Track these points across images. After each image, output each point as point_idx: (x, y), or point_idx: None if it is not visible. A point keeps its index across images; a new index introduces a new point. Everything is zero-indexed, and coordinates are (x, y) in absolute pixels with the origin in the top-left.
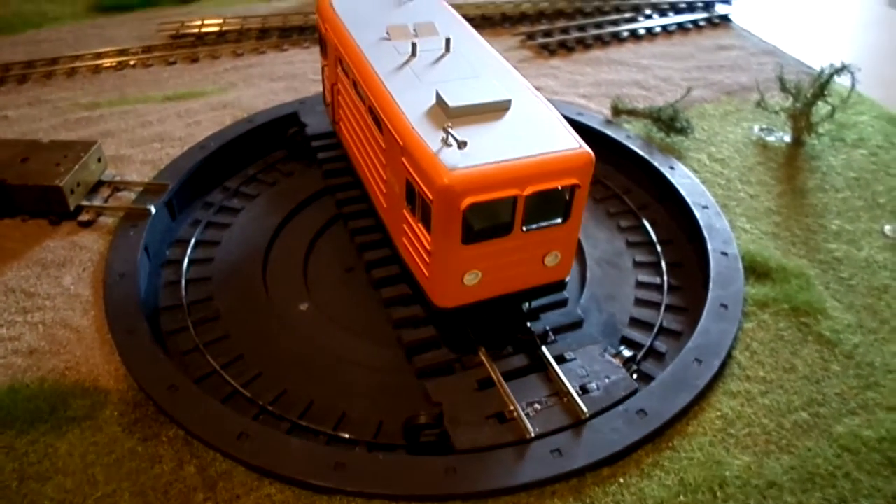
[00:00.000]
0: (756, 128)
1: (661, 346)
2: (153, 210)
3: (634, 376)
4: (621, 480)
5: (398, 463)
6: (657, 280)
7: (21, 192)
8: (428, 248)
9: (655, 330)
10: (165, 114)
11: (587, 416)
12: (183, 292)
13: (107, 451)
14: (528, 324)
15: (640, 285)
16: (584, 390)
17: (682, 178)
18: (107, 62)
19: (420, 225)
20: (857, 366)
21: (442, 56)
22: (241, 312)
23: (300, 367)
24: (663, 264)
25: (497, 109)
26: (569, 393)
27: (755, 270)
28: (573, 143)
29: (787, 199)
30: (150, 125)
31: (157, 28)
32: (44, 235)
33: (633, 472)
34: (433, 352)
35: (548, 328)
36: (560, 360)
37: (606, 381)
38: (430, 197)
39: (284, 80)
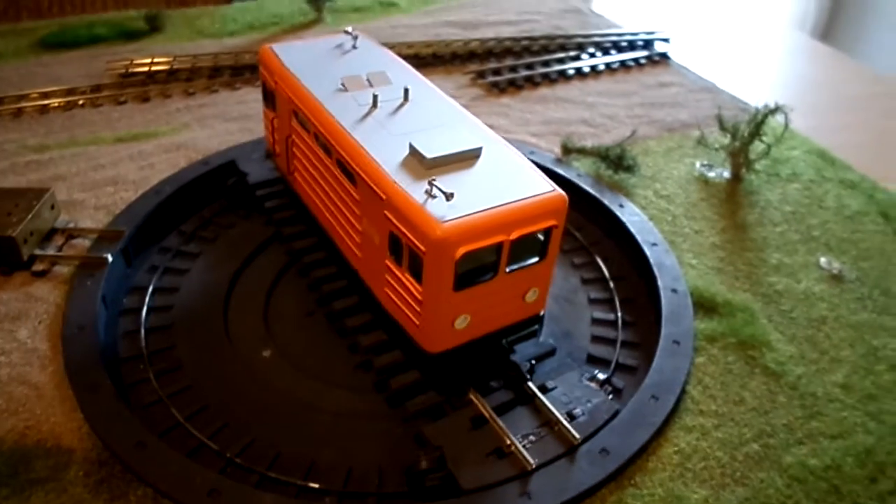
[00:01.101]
0: (698, 164)
1: (618, 382)
2: (110, 258)
3: (611, 396)
4: None
5: None
6: (611, 316)
7: None
8: (419, 297)
9: (612, 366)
10: (118, 156)
11: (579, 441)
12: (143, 342)
13: None
14: (512, 358)
15: (596, 322)
16: (570, 416)
17: (632, 215)
18: (54, 102)
19: (407, 275)
20: (801, 396)
21: (401, 105)
22: (204, 361)
23: (266, 416)
24: (616, 301)
25: (470, 157)
26: (558, 421)
27: (703, 305)
28: (548, 187)
29: (729, 234)
30: (102, 168)
31: (105, 66)
32: None
33: None
34: (423, 396)
35: (532, 361)
36: (543, 389)
37: (589, 405)
38: (423, 249)
39: (239, 121)
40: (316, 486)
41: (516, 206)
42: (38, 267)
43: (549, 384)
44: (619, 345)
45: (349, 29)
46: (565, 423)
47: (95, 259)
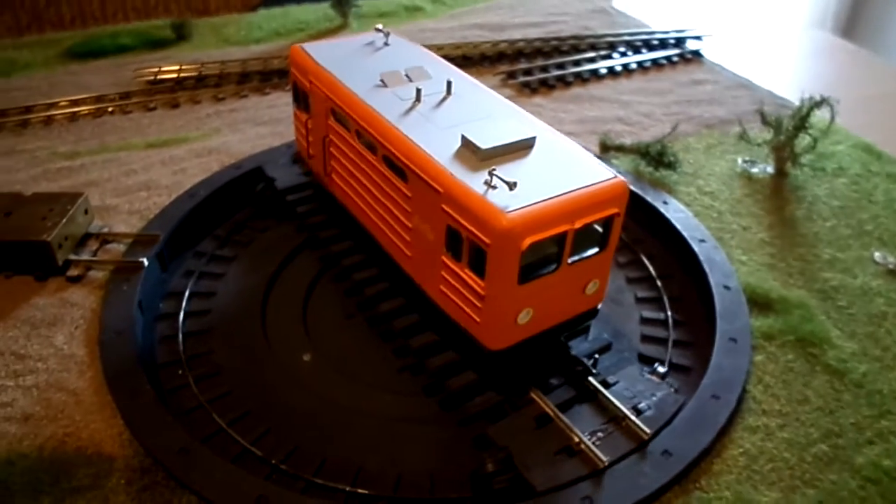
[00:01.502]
0: (740, 160)
1: (673, 381)
2: (146, 263)
3: (673, 389)
4: None
5: None
6: (661, 315)
7: (5, 248)
8: (481, 292)
9: (666, 366)
10: (149, 161)
11: (650, 435)
12: (181, 347)
13: None
14: (574, 354)
15: (645, 321)
16: (637, 411)
17: (677, 212)
18: (84, 109)
19: (468, 270)
20: (868, 394)
21: (444, 99)
22: (244, 366)
23: (310, 421)
24: (665, 299)
25: (524, 147)
26: (626, 416)
27: (757, 303)
28: (608, 174)
29: (778, 230)
30: (134, 174)
31: (133, 74)
32: (30, 293)
33: None
34: (481, 396)
35: (596, 356)
36: (604, 385)
37: (654, 398)
38: (487, 241)
39: (269, 125)
40: (365, 492)
41: (580, 195)
42: (73, 272)
43: (610, 379)
44: (670, 344)
45: (379, 26)
46: (633, 417)
47: (131, 263)
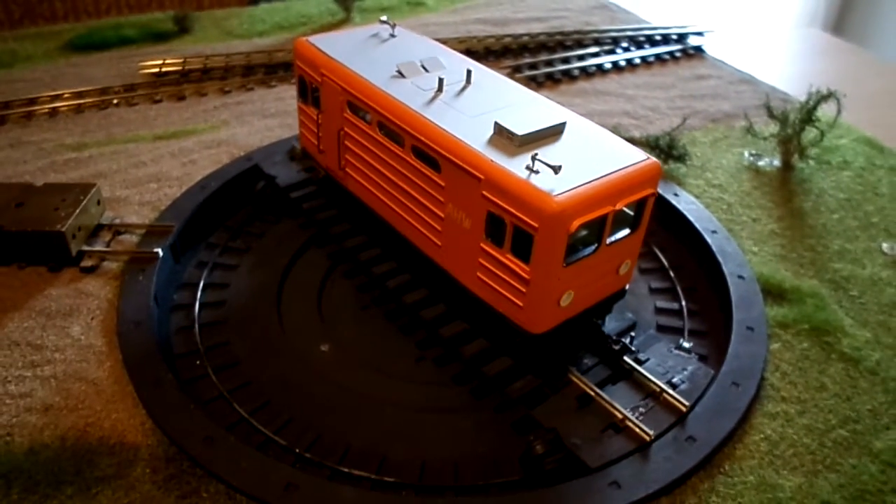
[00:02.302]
0: (746, 153)
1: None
2: (161, 253)
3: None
4: None
5: None
6: (675, 305)
7: (19, 239)
8: (525, 276)
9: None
10: (158, 153)
11: (688, 407)
12: (198, 337)
13: None
14: (607, 333)
15: (660, 311)
16: (672, 385)
17: (688, 204)
18: (89, 101)
19: (510, 255)
20: (883, 381)
21: (465, 88)
22: (262, 356)
23: (331, 411)
24: (679, 289)
25: (556, 133)
26: (663, 391)
27: (770, 292)
28: (642, 155)
29: (787, 222)
30: (143, 165)
31: (137, 66)
32: (44, 283)
33: (691, 499)
34: (521, 381)
35: (632, 334)
36: (637, 362)
37: (685, 372)
38: (535, 224)
39: (277, 117)
40: (391, 479)
41: (620, 176)
42: (87, 263)
43: (641, 357)
44: (686, 333)
45: (384, 18)
46: (671, 391)
47: (146, 254)
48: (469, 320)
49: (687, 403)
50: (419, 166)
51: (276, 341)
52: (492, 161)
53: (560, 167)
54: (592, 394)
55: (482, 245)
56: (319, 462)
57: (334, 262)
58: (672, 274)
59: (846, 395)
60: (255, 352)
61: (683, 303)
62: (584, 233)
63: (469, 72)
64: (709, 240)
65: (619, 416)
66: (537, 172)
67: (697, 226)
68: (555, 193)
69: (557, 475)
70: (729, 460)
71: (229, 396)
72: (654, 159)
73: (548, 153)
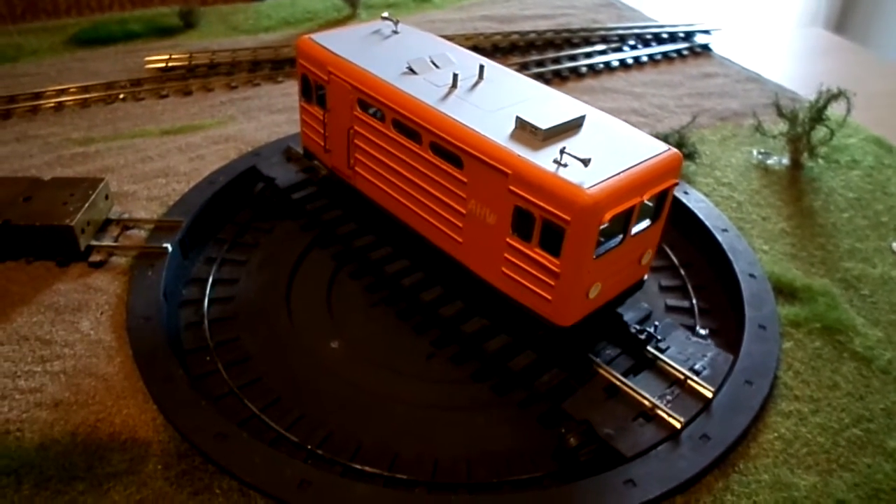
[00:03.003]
0: (755, 152)
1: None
2: (170, 249)
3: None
4: None
5: (476, 503)
6: (686, 304)
7: (27, 233)
8: (555, 269)
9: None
10: (165, 148)
11: (714, 392)
12: (207, 333)
13: None
14: (628, 323)
15: (670, 309)
16: (695, 372)
17: (698, 202)
18: (95, 96)
19: (538, 249)
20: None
21: (477, 83)
22: (272, 352)
23: (342, 408)
24: (689, 287)
25: (576, 126)
26: (687, 378)
27: (781, 291)
28: (664, 146)
29: (797, 221)
30: (150, 160)
31: (143, 61)
32: (52, 278)
33: (706, 498)
34: (548, 374)
35: (657, 323)
36: (658, 351)
37: (705, 359)
38: (567, 218)
39: (285, 112)
40: (404, 477)
41: (645, 167)
42: (96, 257)
43: (662, 345)
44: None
45: (386, 14)
46: (695, 378)
47: (155, 249)
48: (489, 316)
49: (712, 389)
50: (439, 163)
51: (286, 337)
52: (519, 156)
53: (590, 160)
54: (619, 384)
55: (508, 240)
56: (331, 459)
57: (339, 263)
58: (682, 272)
59: (859, 394)
60: (265, 348)
61: (694, 301)
62: (617, 223)
63: (482, 67)
64: (719, 238)
65: (649, 404)
66: (565, 166)
67: (708, 224)
68: (587, 186)
69: (592, 467)
70: (743, 459)
71: (240, 392)
72: (675, 150)
73: (572, 146)
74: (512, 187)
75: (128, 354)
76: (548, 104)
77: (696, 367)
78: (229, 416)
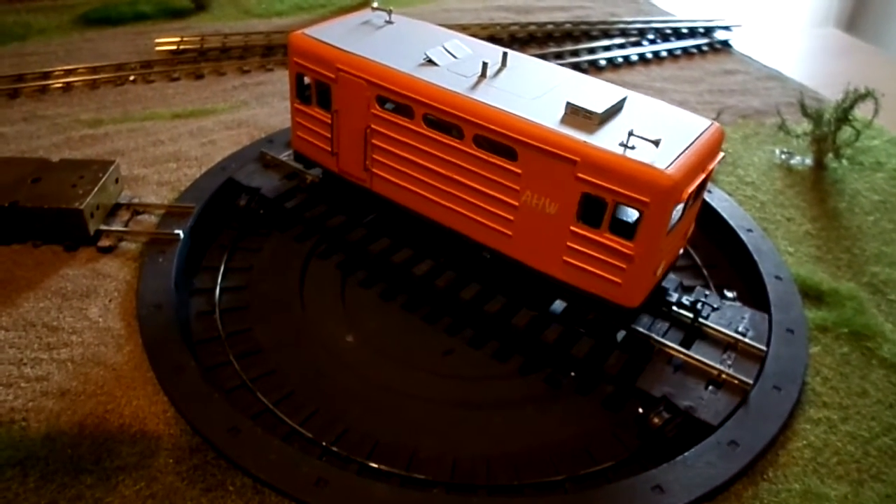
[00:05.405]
0: (777, 151)
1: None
2: (181, 235)
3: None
4: None
5: None
6: None
7: (35, 216)
8: (628, 253)
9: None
10: (177, 132)
11: (766, 351)
12: (219, 323)
13: None
14: (676, 296)
15: None
16: (741, 334)
17: (721, 201)
18: (104, 77)
19: (609, 235)
20: None
21: (501, 70)
22: (285, 345)
23: (358, 403)
24: (712, 288)
25: (620, 108)
26: (738, 341)
27: (808, 294)
28: (708, 121)
29: (822, 223)
30: (161, 144)
31: (153, 43)
32: (60, 263)
33: None
34: (613, 356)
35: (707, 292)
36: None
37: (745, 320)
38: (646, 200)
39: None
40: (422, 477)
41: (702, 142)
42: (105, 242)
43: (704, 312)
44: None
45: (375, 4)
46: (747, 340)
47: (166, 235)
48: (538, 307)
49: (764, 348)
50: (485, 157)
51: (300, 329)
52: (585, 142)
53: (660, 140)
54: (682, 356)
55: (573, 228)
56: (347, 456)
57: (345, 271)
58: (705, 272)
59: (889, 402)
60: (278, 340)
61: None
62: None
63: (504, 54)
64: (744, 238)
65: (715, 371)
66: (633, 148)
67: (732, 223)
68: (664, 167)
69: (678, 442)
70: (772, 467)
71: (252, 385)
72: (717, 124)
73: (625, 127)
74: (580, 174)
75: (137, 343)
76: (584, 88)
77: (740, 329)
78: (242, 410)
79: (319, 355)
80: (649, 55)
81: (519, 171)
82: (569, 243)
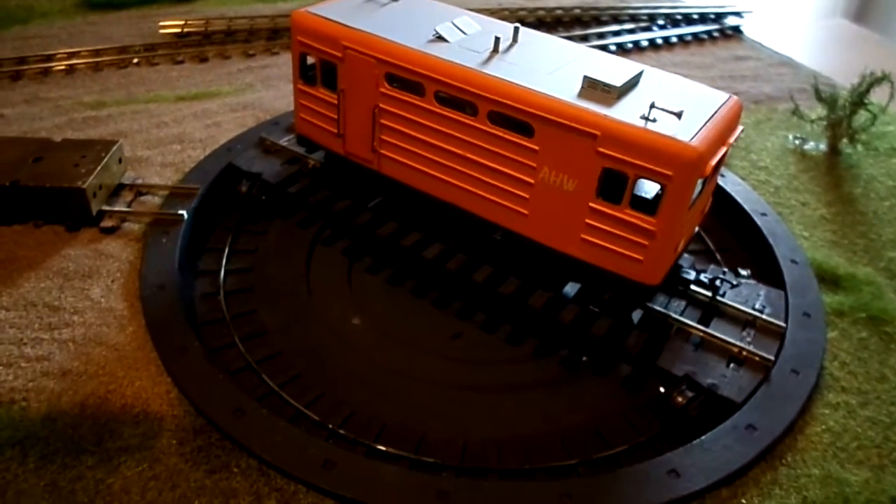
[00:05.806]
0: (790, 136)
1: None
2: (185, 216)
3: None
4: (743, 501)
5: (508, 489)
6: None
7: (36, 195)
8: (650, 228)
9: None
10: (181, 114)
11: (784, 328)
12: (223, 305)
13: (170, 486)
14: (693, 273)
15: None
16: (758, 311)
17: (735, 185)
18: (107, 59)
19: (630, 210)
20: None
21: (513, 45)
22: (290, 326)
23: (365, 386)
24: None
25: (636, 81)
26: (756, 318)
27: (824, 278)
28: (725, 94)
29: (837, 208)
30: (165, 126)
31: (157, 26)
32: (62, 243)
33: (754, 491)
34: (632, 336)
35: (725, 270)
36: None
37: (760, 297)
38: (669, 173)
39: None
40: (431, 460)
41: (722, 115)
42: (107, 223)
43: (721, 290)
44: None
45: None
46: (766, 317)
47: (169, 216)
48: (552, 289)
49: (783, 325)
50: (501, 133)
51: (306, 311)
52: (606, 115)
53: (682, 112)
54: (702, 334)
55: (592, 205)
56: (354, 439)
57: (351, 257)
58: (718, 256)
59: None
60: (284, 322)
61: None
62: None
63: (516, 29)
64: (759, 222)
65: (736, 349)
66: (654, 121)
67: (746, 207)
68: (688, 139)
69: (702, 421)
70: (791, 452)
71: (257, 367)
72: (735, 97)
73: (644, 100)
74: (601, 149)
75: (140, 324)
76: (599, 63)
77: (756, 306)
78: (247, 391)
79: (326, 338)
80: (659, 41)
81: (536, 147)
82: (588, 220)
